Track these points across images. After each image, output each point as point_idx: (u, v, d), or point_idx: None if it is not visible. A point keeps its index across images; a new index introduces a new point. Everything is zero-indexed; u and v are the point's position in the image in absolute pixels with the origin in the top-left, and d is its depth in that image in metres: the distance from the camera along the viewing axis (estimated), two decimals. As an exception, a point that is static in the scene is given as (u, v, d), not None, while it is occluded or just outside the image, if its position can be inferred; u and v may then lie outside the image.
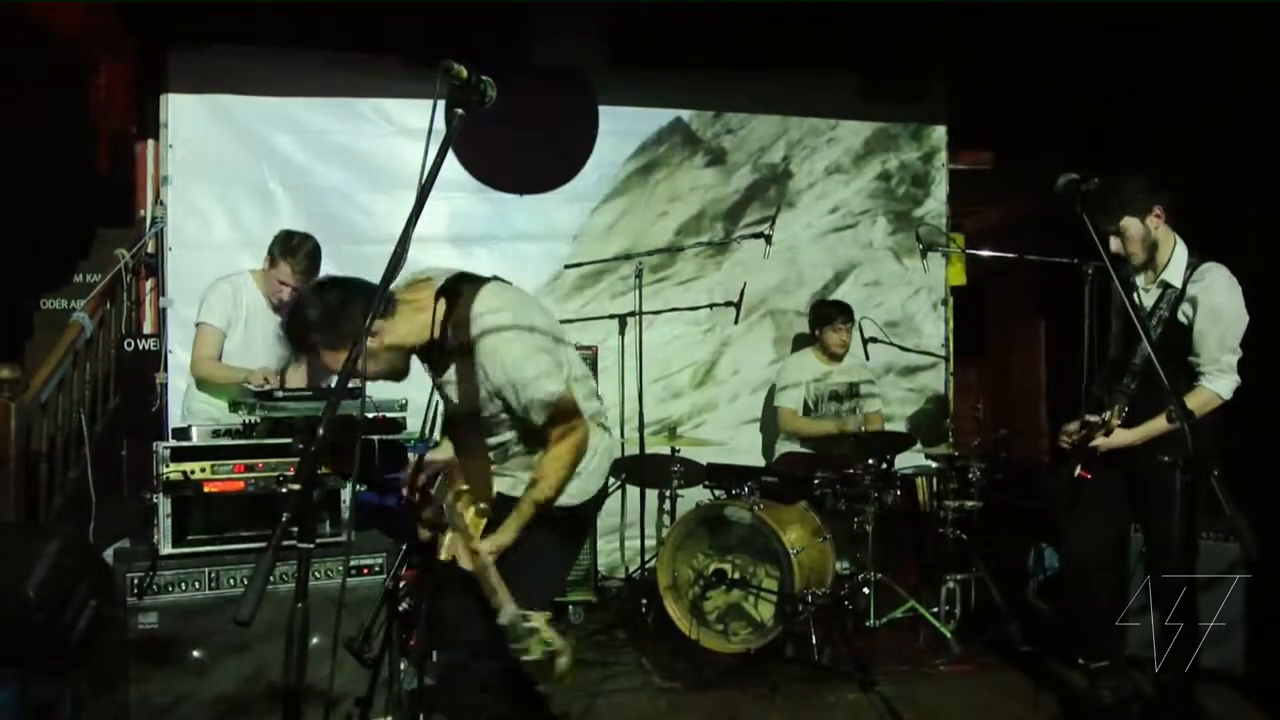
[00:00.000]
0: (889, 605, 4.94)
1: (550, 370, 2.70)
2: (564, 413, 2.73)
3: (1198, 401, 3.50)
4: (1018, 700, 4.08)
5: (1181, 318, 3.58)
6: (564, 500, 2.81)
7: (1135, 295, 3.69)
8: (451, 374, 2.76)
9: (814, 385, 5.68)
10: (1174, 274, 3.61)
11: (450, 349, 2.72)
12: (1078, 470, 3.66)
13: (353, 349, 2.15)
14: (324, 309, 2.63)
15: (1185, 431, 2.39)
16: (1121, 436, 3.57)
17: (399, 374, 2.78)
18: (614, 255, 5.82)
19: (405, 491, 2.88)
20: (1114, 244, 3.61)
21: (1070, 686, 4.17)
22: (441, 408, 2.96)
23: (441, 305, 2.72)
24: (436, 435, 3.10)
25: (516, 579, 2.64)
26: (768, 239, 5.32)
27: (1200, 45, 5.39)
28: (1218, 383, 3.53)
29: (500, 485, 2.87)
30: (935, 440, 6.34)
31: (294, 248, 4.50)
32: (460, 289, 2.73)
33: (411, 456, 4.31)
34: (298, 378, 4.78)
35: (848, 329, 5.66)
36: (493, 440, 2.86)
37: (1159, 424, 3.49)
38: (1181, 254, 3.63)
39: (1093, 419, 3.56)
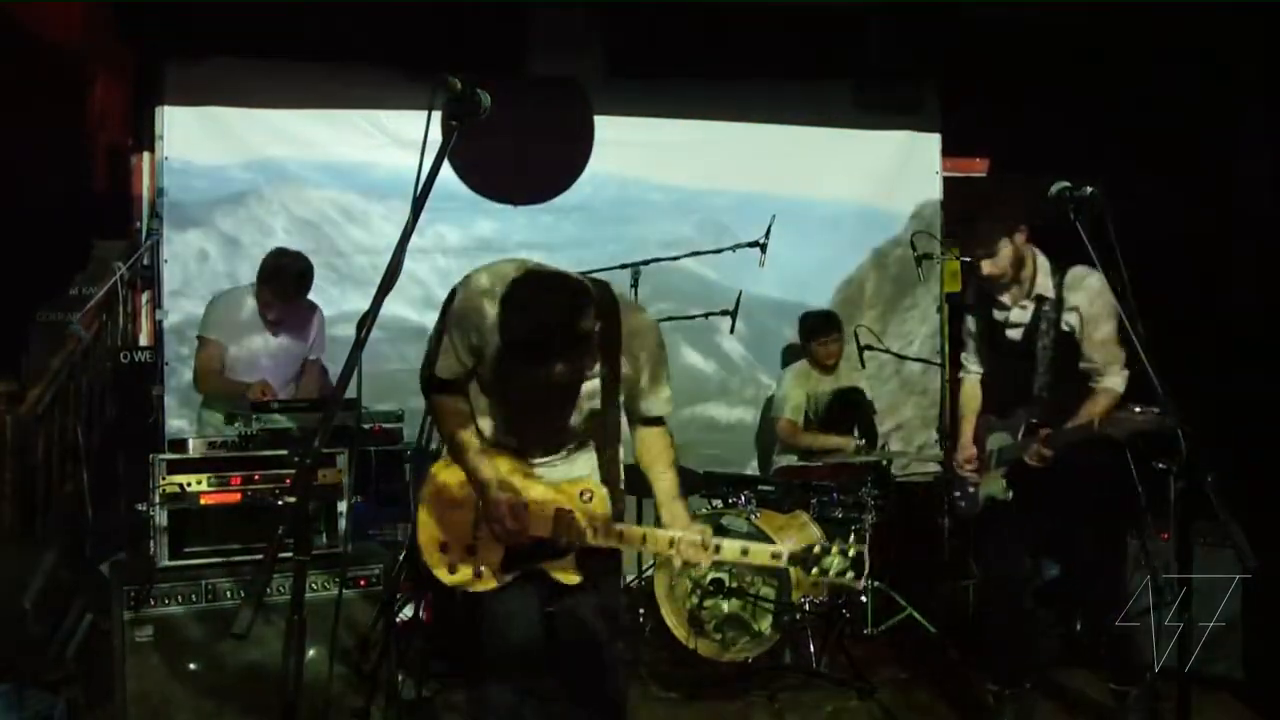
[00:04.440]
0: (887, 613, 4.94)
1: None
2: None
3: (1104, 404, 3.51)
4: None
5: (1065, 327, 3.58)
6: None
7: (1006, 315, 3.69)
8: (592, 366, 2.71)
9: (813, 397, 5.68)
10: (1044, 286, 3.61)
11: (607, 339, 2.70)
12: (1006, 491, 3.68)
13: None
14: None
15: (1180, 438, 2.40)
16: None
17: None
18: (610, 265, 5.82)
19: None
20: (986, 266, 3.60)
21: (1066, 692, 4.18)
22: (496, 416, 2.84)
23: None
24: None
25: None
26: (763, 247, 5.31)
27: (1199, 50, 5.42)
28: (1115, 380, 3.54)
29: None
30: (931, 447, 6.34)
31: (272, 273, 4.53)
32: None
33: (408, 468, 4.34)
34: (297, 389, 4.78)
35: (834, 340, 5.66)
36: (575, 423, 2.79)
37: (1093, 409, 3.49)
38: (1044, 264, 3.64)
39: (1010, 440, 3.61)
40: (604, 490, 2.76)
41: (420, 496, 2.89)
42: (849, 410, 5.68)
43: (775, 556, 2.65)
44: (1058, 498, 3.57)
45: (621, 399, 2.77)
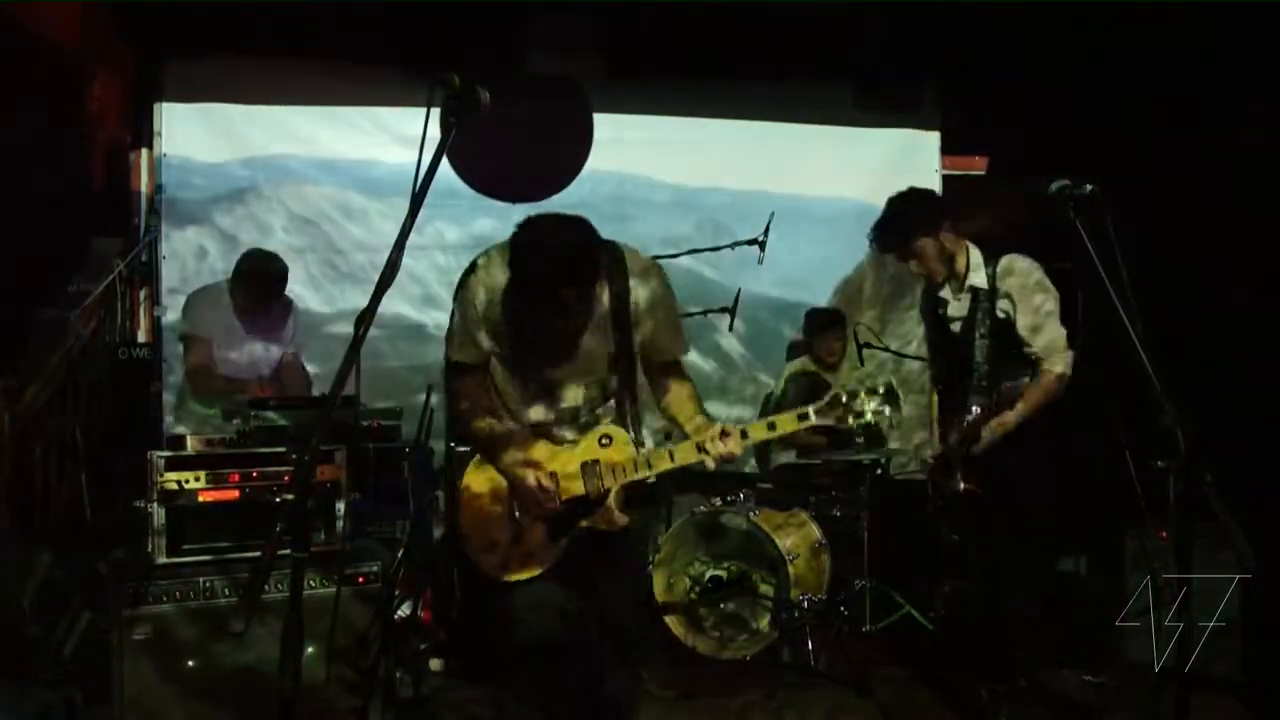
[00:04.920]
0: (885, 610, 4.94)
1: None
2: None
3: (1046, 386, 3.55)
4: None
5: (1001, 314, 3.62)
6: None
7: (945, 309, 3.78)
8: (602, 312, 2.74)
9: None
10: (978, 277, 3.68)
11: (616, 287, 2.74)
12: (962, 485, 3.68)
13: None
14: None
15: (1179, 436, 2.39)
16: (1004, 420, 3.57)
17: None
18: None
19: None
20: (913, 266, 3.72)
21: (1068, 695, 4.18)
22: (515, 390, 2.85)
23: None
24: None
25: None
26: (761, 245, 5.31)
27: (1198, 51, 5.41)
28: (1055, 362, 3.57)
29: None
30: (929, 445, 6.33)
31: (247, 277, 4.54)
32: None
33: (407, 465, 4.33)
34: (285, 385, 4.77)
35: (837, 338, 5.66)
36: (590, 390, 2.84)
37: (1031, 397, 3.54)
38: (976, 257, 3.70)
39: (957, 432, 3.61)
40: (622, 431, 2.77)
41: (455, 512, 2.91)
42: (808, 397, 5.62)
43: (803, 418, 2.62)
44: (1014, 489, 3.61)
45: (638, 352, 2.79)
